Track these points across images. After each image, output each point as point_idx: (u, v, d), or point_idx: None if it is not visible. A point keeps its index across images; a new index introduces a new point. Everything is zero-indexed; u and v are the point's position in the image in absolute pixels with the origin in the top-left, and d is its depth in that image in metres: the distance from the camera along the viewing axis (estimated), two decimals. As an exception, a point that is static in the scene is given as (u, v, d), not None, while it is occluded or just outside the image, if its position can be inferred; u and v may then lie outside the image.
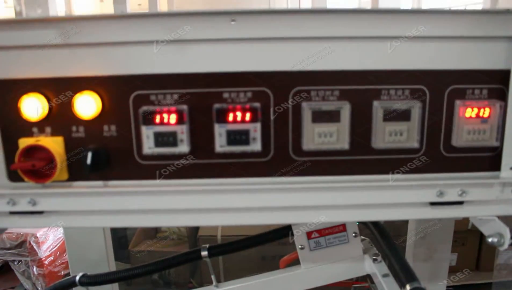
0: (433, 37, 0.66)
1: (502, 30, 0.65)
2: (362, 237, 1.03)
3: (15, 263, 2.56)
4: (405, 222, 1.47)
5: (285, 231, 0.99)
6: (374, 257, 0.99)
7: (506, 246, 0.72)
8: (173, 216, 0.69)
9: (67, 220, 0.71)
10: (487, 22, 0.65)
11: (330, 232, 0.98)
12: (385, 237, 0.91)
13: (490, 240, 0.74)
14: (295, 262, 1.03)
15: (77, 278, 1.05)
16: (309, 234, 0.99)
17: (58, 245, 2.69)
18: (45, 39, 0.63)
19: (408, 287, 0.80)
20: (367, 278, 1.07)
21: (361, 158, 0.68)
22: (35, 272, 2.55)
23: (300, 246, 1.00)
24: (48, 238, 2.63)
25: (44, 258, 2.58)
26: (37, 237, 2.55)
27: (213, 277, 1.03)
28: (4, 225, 0.72)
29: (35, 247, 2.53)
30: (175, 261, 1.01)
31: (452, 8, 0.72)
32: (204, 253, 1.00)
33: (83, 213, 0.70)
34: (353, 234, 0.99)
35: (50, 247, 2.64)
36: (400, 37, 0.65)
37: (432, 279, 1.40)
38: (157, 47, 0.64)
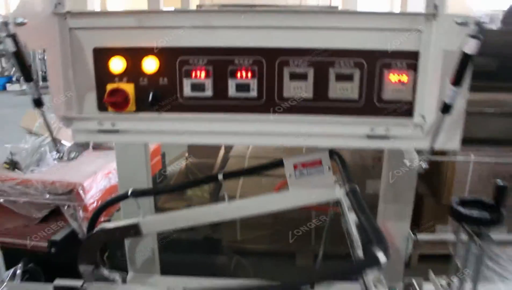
0: (369, 28, 1.04)
1: (412, 25, 1.03)
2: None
3: (65, 207, 3.03)
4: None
5: (279, 163, 1.40)
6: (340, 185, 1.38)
7: (415, 165, 1.10)
8: (202, 136, 1.10)
9: (133, 137, 1.12)
10: (404, 19, 1.03)
11: (311, 165, 1.38)
12: (345, 167, 1.31)
13: (405, 161, 1.12)
14: (286, 187, 1.43)
15: (129, 191, 1.48)
16: (295, 166, 1.39)
17: (100, 195, 3.15)
18: (128, 23, 1.04)
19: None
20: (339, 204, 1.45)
21: (321, 104, 1.07)
22: (81, 216, 3.01)
23: (288, 174, 1.40)
24: (92, 188, 3.10)
25: (88, 205, 3.04)
26: (83, 186, 3.01)
27: (225, 195, 1.44)
28: (94, 139, 1.13)
29: (81, 194, 2.99)
30: (198, 182, 1.42)
31: (383, 11, 1.10)
32: (220, 176, 1.41)
33: (144, 132, 1.11)
34: (327, 167, 1.38)
35: (94, 195, 3.10)
36: (348, 28, 1.04)
37: (397, 219, 1.78)
38: (194, 30, 1.04)
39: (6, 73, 13.66)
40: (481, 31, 0.88)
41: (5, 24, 0.92)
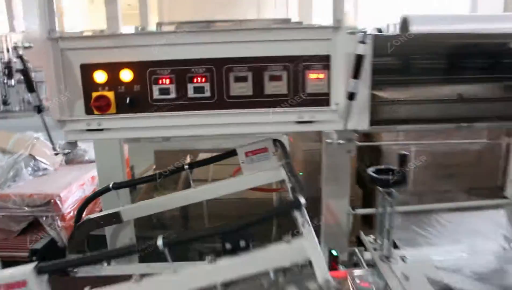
0: (293, 39, 1.37)
1: (324, 35, 1.37)
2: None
3: (43, 218, 3.27)
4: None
5: (233, 152, 1.72)
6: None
7: (334, 142, 1.45)
8: (168, 130, 1.42)
9: (115, 134, 1.42)
10: (318, 31, 1.38)
11: (258, 152, 1.71)
12: (284, 149, 1.64)
13: (327, 141, 1.46)
14: (241, 172, 1.76)
15: (110, 185, 1.77)
16: (246, 153, 1.71)
17: (76, 204, 3.40)
18: (107, 44, 1.34)
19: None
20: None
21: (259, 99, 1.40)
22: (59, 225, 3.25)
23: (241, 161, 1.72)
24: (69, 198, 3.35)
25: (66, 214, 3.28)
26: (60, 197, 3.25)
27: (191, 182, 1.75)
28: (83, 137, 1.43)
29: (59, 204, 3.23)
30: (169, 172, 1.72)
31: (303, 25, 1.45)
32: (186, 166, 1.72)
33: (124, 129, 1.41)
34: (272, 153, 1.72)
35: (70, 205, 3.35)
36: (277, 40, 1.38)
37: (338, 198, 2.12)
38: (160, 47, 1.35)
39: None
40: (365, 38, 1.23)
41: (15, 48, 1.22)
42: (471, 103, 1.64)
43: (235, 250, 1.16)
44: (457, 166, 3.54)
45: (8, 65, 11.90)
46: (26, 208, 3.28)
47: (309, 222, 1.19)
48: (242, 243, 1.16)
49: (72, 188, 3.44)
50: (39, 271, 1.16)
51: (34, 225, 3.36)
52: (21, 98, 12.49)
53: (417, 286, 1.47)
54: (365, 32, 1.24)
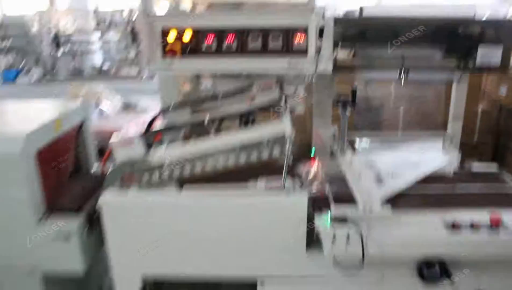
0: (287, 17, 2.35)
1: (304, 15, 2.35)
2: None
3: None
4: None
5: (251, 86, 2.73)
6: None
7: (308, 79, 2.43)
8: (209, 68, 2.43)
9: (179, 70, 2.44)
10: (301, 12, 2.35)
11: (267, 85, 2.71)
12: (281, 85, 2.63)
13: (303, 79, 2.45)
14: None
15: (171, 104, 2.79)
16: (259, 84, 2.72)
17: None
18: (175, 17, 2.35)
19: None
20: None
21: (266, 52, 2.39)
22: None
23: (255, 90, 2.72)
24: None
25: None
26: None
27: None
28: (160, 70, 2.43)
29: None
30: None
31: (294, 8, 2.43)
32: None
33: (184, 68, 2.42)
34: (275, 87, 2.70)
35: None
36: (276, 18, 2.36)
37: (324, 128, 3.10)
38: (204, 20, 2.36)
39: (15, 67, 14.87)
40: (325, 17, 2.20)
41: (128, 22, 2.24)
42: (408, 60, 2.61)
43: (247, 124, 2.19)
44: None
45: (56, 38, 13.20)
46: (95, 141, 4.37)
47: (288, 114, 2.19)
48: (252, 119, 2.18)
49: (128, 127, 4.52)
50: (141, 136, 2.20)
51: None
52: (67, 67, 13.83)
53: (359, 166, 2.42)
54: (324, 13, 2.21)
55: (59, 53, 13.13)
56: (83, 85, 4.81)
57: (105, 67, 14.51)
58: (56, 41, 13.03)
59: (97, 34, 14.06)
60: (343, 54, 2.57)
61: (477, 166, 2.86)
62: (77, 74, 14.01)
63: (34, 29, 13.56)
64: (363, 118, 4.73)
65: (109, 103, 4.71)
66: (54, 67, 13.99)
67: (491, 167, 2.85)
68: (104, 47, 14.79)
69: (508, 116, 5.10)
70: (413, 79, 3.44)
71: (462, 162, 2.88)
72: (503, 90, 5.02)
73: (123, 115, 4.88)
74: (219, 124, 2.34)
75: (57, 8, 14.43)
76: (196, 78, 4.96)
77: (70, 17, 12.97)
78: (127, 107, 4.96)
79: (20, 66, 14.77)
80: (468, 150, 4.19)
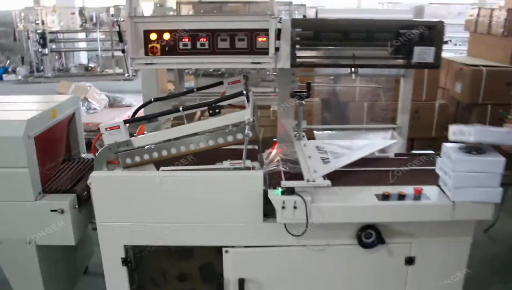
0: (251, 20, 2.75)
1: (265, 19, 2.75)
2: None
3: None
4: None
5: (220, 83, 3.12)
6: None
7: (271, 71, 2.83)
8: (185, 65, 2.81)
9: (159, 66, 2.82)
10: (263, 17, 2.75)
11: (235, 82, 3.09)
12: (247, 80, 3.02)
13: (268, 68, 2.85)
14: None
15: (152, 99, 3.17)
16: (229, 83, 3.11)
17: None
18: (155, 20, 2.74)
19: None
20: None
21: (232, 50, 2.78)
22: (107, 145, 4.72)
23: (226, 88, 3.11)
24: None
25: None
26: (108, 125, 4.70)
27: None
28: (143, 67, 2.82)
29: (107, 130, 4.69)
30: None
31: (256, 13, 2.82)
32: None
33: (163, 64, 2.81)
34: (242, 83, 3.09)
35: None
36: (242, 21, 2.76)
37: (287, 118, 3.50)
38: (182, 22, 2.74)
39: (1, 64, 15.04)
40: (281, 21, 2.59)
41: (116, 21, 2.62)
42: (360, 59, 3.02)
43: (214, 114, 2.58)
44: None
45: (42, 36, 13.41)
46: (84, 133, 4.73)
47: (249, 104, 2.59)
48: (217, 111, 2.57)
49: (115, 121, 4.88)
50: (125, 122, 2.58)
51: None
52: (53, 65, 14.05)
53: (309, 149, 2.82)
54: (280, 18, 2.60)
55: (46, 51, 13.33)
56: (71, 82, 5.16)
57: (91, 65, 14.81)
58: (43, 39, 13.23)
59: (83, 32, 14.34)
60: (304, 52, 2.97)
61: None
62: (64, 72, 14.28)
63: (20, 25, 13.74)
64: (331, 114, 5.18)
65: (97, 99, 5.07)
66: (40, 65, 14.21)
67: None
68: (90, 45, 15.10)
69: (464, 111, 5.58)
70: (364, 74, 3.86)
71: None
72: (458, 87, 5.50)
73: (110, 111, 5.25)
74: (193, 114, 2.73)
75: (44, 5, 14.68)
76: (180, 77, 5.38)
77: (57, 15, 13.18)
78: (113, 103, 5.32)
79: (6, 64, 14.95)
80: (426, 144, 4.65)
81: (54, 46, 13.94)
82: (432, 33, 2.78)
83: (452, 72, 5.71)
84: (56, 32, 13.71)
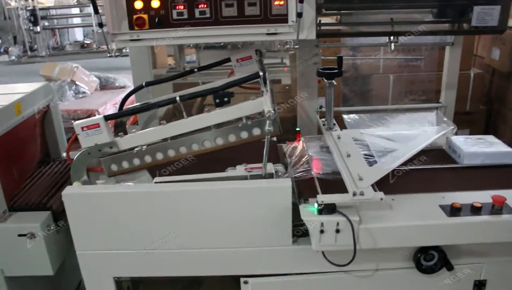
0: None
1: None
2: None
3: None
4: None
5: (228, 60, 2.48)
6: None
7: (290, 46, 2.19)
8: (181, 40, 2.18)
9: (148, 42, 2.18)
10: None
11: (245, 59, 2.46)
12: (261, 59, 2.39)
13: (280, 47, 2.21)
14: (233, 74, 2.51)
15: (143, 83, 2.54)
16: (237, 60, 2.47)
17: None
18: (142, -18, 2.09)
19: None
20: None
21: (241, 19, 2.13)
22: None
23: (234, 65, 2.47)
24: (105, 113, 4.19)
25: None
26: (98, 112, 4.08)
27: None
28: (128, 45, 2.18)
29: (98, 118, 4.10)
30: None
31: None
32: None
33: (154, 39, 2.17)
34: (255, 60, 2.46)
35: (107, 119, 4.21)
36: (252, -21, 2.10)
37: (309, 100, 2.87)
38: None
39: (-7, 45, 14.35)
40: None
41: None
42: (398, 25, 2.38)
43: (222, 104, 1.95)
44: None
45: (33, 13, 12.68)
46: (72, 121, 4.12)
47: (268, 90, 1.96)
48: (226, 99, 1.94)
49: (107, 106, 4.27)
50: (106, 118, 1.97)
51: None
52: (47, 44, 13.36)
53: (346, 144, 2.21)
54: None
55: (38, 29, 12.63)
56: (56, 64, 4.53)
57: (87, 41, 14.10)
58: (33, 16, 12.50)
59: (78, 7, 13.62)
60: (327, 19, 2.33)
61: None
62: (59, 50, 13.60)
63: (11, 2, 13.00)
64: (350, 88, 4.51)
65: (86, 81, 4.46)
66: (34, 44, 13.52)
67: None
68: (85, 21, 14.32)
69: (501, 80, 4.90)
70: (406, 44, 3.20)
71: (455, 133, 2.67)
72: (496, 54, 4.80)
73: (101, 94, 4.61)
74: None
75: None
76: (179, 51, 4.70)
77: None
78: (106, 84, 4.70)
79: (-1, 45, 14.28)
80: (460, 119, 4.01)
81: (46, 24, 13.20)
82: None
83: (488, 35, 5.00)
84: (48, 8, 12.95)
